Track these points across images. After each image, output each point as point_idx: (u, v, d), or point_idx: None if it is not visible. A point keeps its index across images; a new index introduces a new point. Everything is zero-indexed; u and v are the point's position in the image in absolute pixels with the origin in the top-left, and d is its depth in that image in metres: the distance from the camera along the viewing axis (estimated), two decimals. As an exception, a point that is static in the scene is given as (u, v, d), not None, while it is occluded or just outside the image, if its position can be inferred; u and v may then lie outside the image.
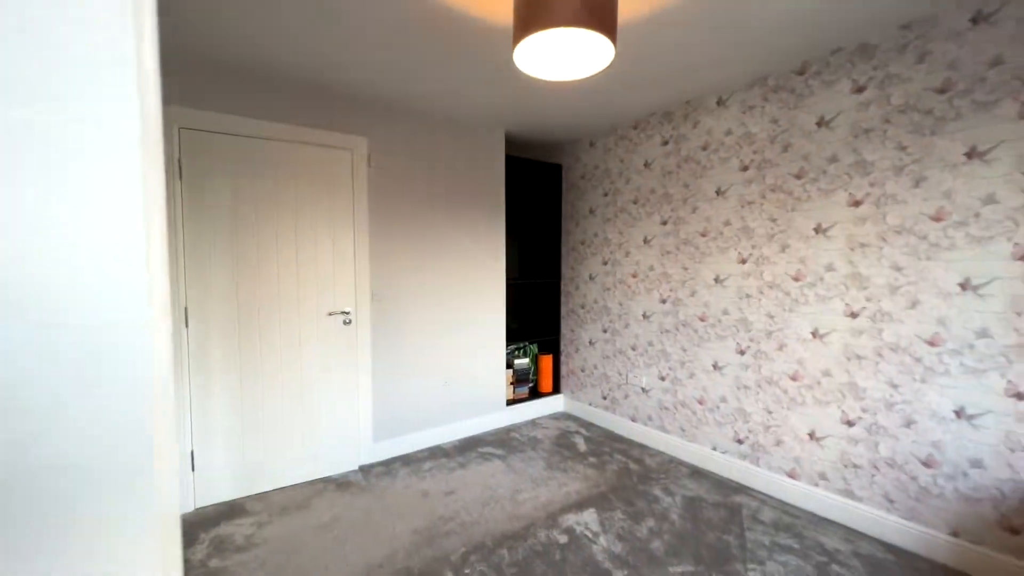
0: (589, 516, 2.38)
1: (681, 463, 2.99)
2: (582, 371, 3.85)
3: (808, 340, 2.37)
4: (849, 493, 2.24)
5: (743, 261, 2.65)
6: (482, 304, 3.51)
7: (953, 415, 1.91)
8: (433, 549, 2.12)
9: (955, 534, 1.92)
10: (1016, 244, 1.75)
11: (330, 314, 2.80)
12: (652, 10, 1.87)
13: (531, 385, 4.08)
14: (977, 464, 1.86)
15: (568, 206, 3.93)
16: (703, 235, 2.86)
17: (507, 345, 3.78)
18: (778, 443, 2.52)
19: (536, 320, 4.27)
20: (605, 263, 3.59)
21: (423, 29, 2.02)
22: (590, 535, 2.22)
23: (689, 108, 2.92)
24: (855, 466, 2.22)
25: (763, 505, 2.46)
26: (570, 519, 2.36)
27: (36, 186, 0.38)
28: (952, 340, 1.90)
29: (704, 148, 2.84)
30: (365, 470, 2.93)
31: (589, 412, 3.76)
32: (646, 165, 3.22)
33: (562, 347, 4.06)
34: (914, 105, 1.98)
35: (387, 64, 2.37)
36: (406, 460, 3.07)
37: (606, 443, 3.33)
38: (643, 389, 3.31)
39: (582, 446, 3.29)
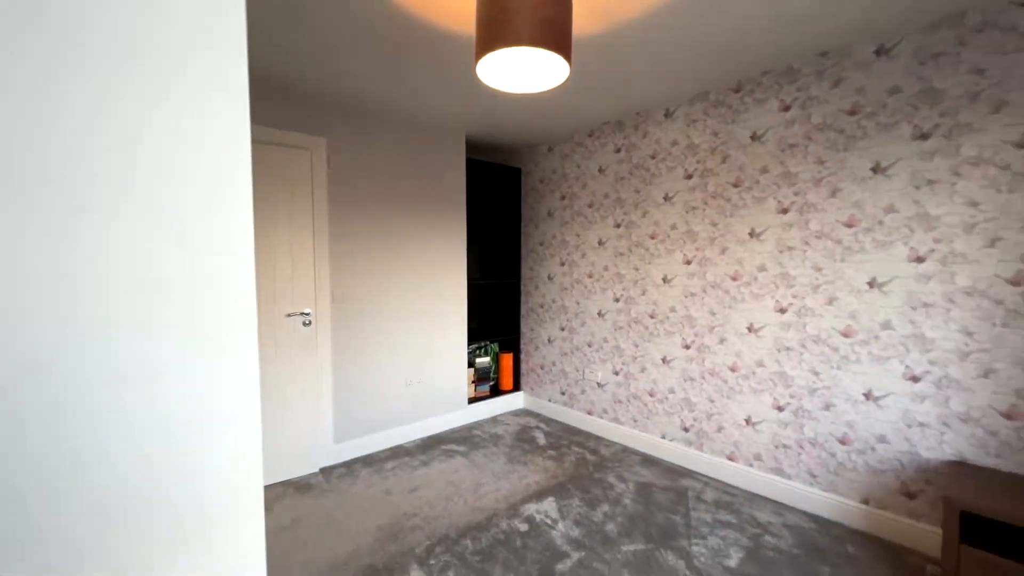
0: (549, 505, 2.50)
1: (634, 452, 3.18)
2: (541, 368, 3.98)
3: (744, 334, 2.60)
4: (780, 471, 2.49)
5: (688, 262, 2.86)
6: (444, 304, 3.56)
7: (863, 397, 2.18)
8: (398, 544, 2.17)
9: (865, 502, 2.19)
10: (911, 248, 2.02)
11: (289, 316, 2.77)
12: (605, 29, 2.02)
13: (492, 383, 4.18)
14: (882, 440, 2.13)
15: (528, 209, 4.06)
16: (652, 238, 3.06)
17: (468, 344, 3.86)
18: (719, 429, 2.74)
19: (497, 319, 4.37)
20: (563, 264, 3.74)
21: (386, 36, 2.07)
22: (549, 522, 2.34)
23: (639, 119, 3.12)
24: (784, 447, 2.46)
25: (706, 487, 2.67)
26: (530, 508, 2.47)
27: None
28: (862, 332, 2.17)
29: (653, 157, 3.05)
30: (326, 472, 2.91)
31: (548, 408, 3.90)
32: (600, 171, 3.40)
33: (522, 345, 4.18)
34: (830, 124, 2.24)
35: (349, 67, 2.39)
36: (368, 460, 3.08)
37: (564, 436, 3.48)
38: (599, 384, 3.48)
39: (542, 440, 3.42)
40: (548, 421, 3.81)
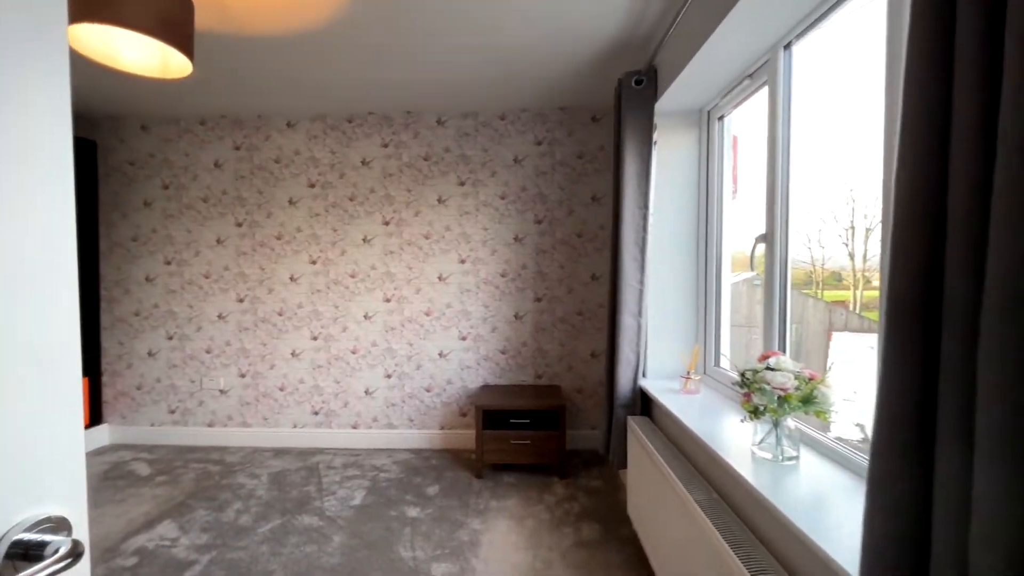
0: (165, 528, 2.26)
1: (265, 449, 3.22)
2: (139, 389, 3.32)
3: (362, 321, 3.19)
4: (391, 426, 3.22)
5: (313, 262, 3.20)
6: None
7: (438, 356, 3.17)
8: None
9: (442, 428, 3.19)
10: (459, 254, 3.13)
11: None
12: (233, 31, 2.09)
13: (52, 422, 3.11)
14: (450, 382, 3.17)
15: (110, 194, 3.28)
16: (278, 238, 3.21)
17: None
18: (345, 405, 3.23)
19: (57, 337, 3.27)
20: (169, 263, 3.27)
21: None
22: (168, 543, 2.14)
23: (261, 122, 3.20)
24: (393, 405, 3.21)
25: (336, 456, 3.10)
26: (139, 541, 2.16)
27: None
28: (436, 311, 3.16)
29: (277, 161, 3.20)
30: None
31: (151, 434, 3.31)
32: (217, 165, 3.23)
33: (105, 366, 3.33)
34: (412, 164, 3.13)
35: None
36: None
37: (178, 458, 3.08)
38: (221, 391, 3.28)
39: (145, 471, 2.91)
40: (152, 448, 3.23)
